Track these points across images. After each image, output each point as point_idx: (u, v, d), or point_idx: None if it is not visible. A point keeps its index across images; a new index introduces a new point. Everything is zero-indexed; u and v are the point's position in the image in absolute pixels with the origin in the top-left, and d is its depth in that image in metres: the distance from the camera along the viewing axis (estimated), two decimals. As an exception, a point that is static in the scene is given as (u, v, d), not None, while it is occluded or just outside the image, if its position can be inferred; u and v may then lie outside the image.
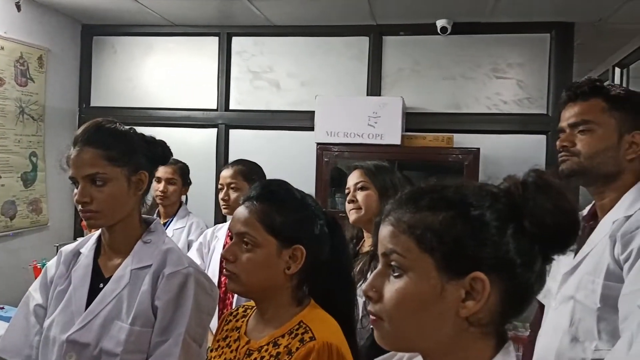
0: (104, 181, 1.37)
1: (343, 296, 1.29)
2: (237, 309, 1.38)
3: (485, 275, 0.73)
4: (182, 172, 3.01)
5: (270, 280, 1.22)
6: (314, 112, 3.47)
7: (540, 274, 0.77)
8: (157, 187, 2.90)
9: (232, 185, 2.42)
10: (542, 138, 3.54)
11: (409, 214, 0.77)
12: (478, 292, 0.73)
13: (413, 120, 3.60)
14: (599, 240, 1.47)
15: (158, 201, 2.93)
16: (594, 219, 1.55)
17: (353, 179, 2.11)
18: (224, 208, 2.43)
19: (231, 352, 1.26)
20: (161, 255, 1.43)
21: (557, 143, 1.57)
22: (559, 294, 1.53)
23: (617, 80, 2.83)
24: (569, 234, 0.75)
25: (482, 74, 3.66)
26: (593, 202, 1.58)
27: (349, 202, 2.08)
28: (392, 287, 0.77)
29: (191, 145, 3.83)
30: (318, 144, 3.43)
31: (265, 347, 1.20)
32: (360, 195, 2.05)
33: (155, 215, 2.95)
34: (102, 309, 1.38)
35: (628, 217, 1.43)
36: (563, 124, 1.56)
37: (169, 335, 1.37)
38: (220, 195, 2.44)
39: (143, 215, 1.53)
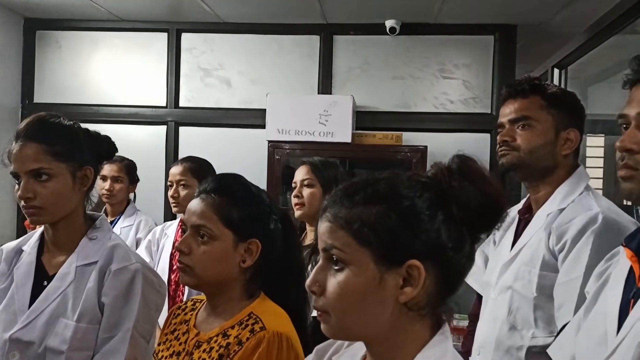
0: (48, 176, 1.34)
1: (294, 290, 1.31)
2: (186, 303, 1.38)
3: (420, 262, 0.77)
4: (129, 170, 2.97)
5: (225, 273, 1.22)
6: (265, 110, 3.48)
7: (470, 254, 0.81)
8: (102, 186, 2.84)
9: (182, 183, 2.41)
10: (487, 136, 3.66)
11: (345, 210, 0.80)
12: (414, 278, 0.77)
13: (363, 119, 3.66)
14: (534, 232, 1.54)
15: (104, 199, 2.87)
16: (529, 212, 1.63)
17: (300, 174, 2.17)
18: (174, 206, 2.41)
19: (180, 344, 1.26)
20: (107, 251, 1.42)
21: (498, 138, 1.63)
22: (497, 284, 1.60)
23: (555, 81, 2.96)
24: (494, 215, 0.80)
25: (430, 74, 3.75)
26: (528, 195, 1.66)
27: (294, 197, 2.15)
28: (334, 280, 0.79)
29: (140, 143, 3.76)
30: (269, 141, 3.44)
31: (215, 338, 1.20)
32: (305, 192, 2.13)
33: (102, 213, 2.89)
34: (46, 306, 1.35)
35: (562, 210, 1.51)
36: (503, 119, 1.62)
37: (116, 331, 1.36)
38: (170, 193, 2.42)
39: (88, 212, 1.51)
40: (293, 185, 2.18)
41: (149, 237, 2.53)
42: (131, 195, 3.05)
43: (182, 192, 2.39)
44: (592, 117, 4.18)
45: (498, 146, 1.63)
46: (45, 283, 1.40)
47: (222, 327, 1.21)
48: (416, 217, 0.78)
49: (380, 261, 0.77)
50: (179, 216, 2.52)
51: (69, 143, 1.39)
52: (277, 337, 1.15)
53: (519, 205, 1.70)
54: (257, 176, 3.33)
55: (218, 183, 1.26)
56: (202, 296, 1.40)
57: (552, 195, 1.55)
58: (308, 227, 2.20)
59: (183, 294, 2.27)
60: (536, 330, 1.47)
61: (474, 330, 1.74)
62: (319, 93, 3.76)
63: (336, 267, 0.80)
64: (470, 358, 1.65)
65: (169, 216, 3.62)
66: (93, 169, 1.46)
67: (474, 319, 1.79)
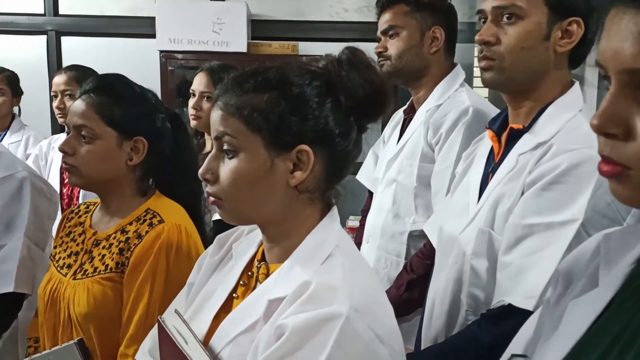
0: None
1: (187, 188, 1.33)
2: (79, 207, 1.37)
3: (309, 147, 0.81)
4: (11, 81, 2.77)
5: (112, 171, 1.23)
6: (154, 18, 3.31)
7: (357, 141, 0.87)
8: None
9: (67, 92, 2.29)
10: (380, 46, 3.75)
11: (235, 97, 0.81)
12: (304, 162, 0.81)
13: (258, 28, 3.59)
14: (415, 128, 1.66)
15: None
16: (412, 111, 1.74)
17: (200, 84, 2.09)
18: (60, 117, 2.30)
19: (77, 245, 1.27)
20: None
21: (374, 50, 1.71)
22: (384, 179, 1.72)
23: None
24: (378, 104, 0.85)
25: (324, -19, 3.71)
26: (412, 97, 1.77)
27: (192, 108, 2.09)
28: (227, 167, 0.82)
29: (18, 55, 3.48)
30: (161, 51, 3.31)
31: (114, 235, 1.22)
32: (205, 105, 2.08)
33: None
34: None
35: (439, 106, 1.63)
36: (378, 32, 1.71)
37: (7, 239, 1.35)
38: (55, 104, 2.30)
39: None
40: (191, 92, 2.12)
41: (36, 152, 2.42)
42: (15, 109, 2.87)
43: (69, 103, 2.28)
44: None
45: (377, 58, 1.70)
46: None
47: (119, 225, 1.24)
48: (305, 103, 0.81)
49: (270, 146, 0.81)
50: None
51: None
52: (176, 227, 1.19)
53: (405, 106, 1.81)
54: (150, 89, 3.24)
55: (98, 82, 1.24)
56: (96, 199, 1.41)
57: (431, 93, 1.66)
58: (207, 136, 2.20)
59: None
60: (416, 216, 1.62)
61: (364, 225, 1.88)
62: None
63: (228, 155, 0.82)
64: (361, 246, 1.80)
65: (56, 131, 3.45)
66: None
67: (365, 214, 1.92)
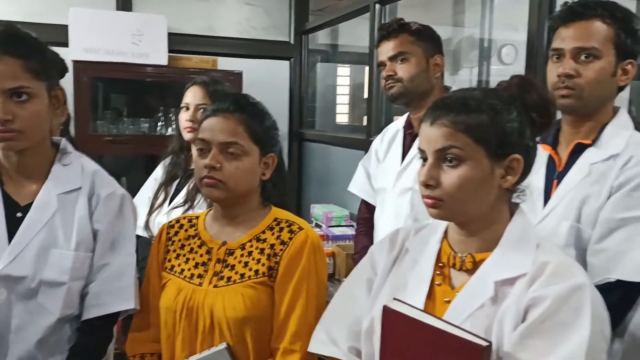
0: (28, 96, 1.19)
1: (284, 198, 1.44)
2: (179, 220, 1.41)
3: (520, 155, 1.03)
4: None
5: (251, 185, 1.31)
6: (67, 25, 3.15)
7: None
8: None
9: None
10: (287, 64, 3.98)
11: (463, 116, 1.01)
12: (513, 168, 1.03)
13: (173, 42, 3.58)
14: None
15: None
16: (411, 128, 2.01)
17: (195, 97, 2.10)
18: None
19: (200, 256, 1.32)
20: (90, 177, 1.35)
21: (383, 74, 1.94)
22: (395, 188, 1.95)
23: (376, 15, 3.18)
24: (553, 118, 1.10)
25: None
26: (407, 113, 2.04)
27: (188, 120, 2.10)
28: (452, 174, 1.01)
29: None
30: (74, 61, 3.15)
31: (249, 243, 1.30)
32: (201, 117, 2.10)
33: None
34: (31, 238, 1.24)
35: None
36: (383, 58, 1.94)
37: (115, 256, 1.33)
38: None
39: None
40: (185, 106, 2.12)
41: None
42: None
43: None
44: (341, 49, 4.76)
45: (384, 81, 1.94)
46: (20, 214, 1.26)
47: (251, 234, 1.31)
48: (516, 121, 1.03)
49: (492, 156, 1.01)
50: None
51: (43, 59, 1.25)
52: (315, 233, 1.32)
53: (398, 124, 2.08)
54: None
55: (237, 101, 1.31)
56: (189, 213, 1.44)
57: None
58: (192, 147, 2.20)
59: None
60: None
61: (364, 231, 2.11)
62: (117, 9, 3.53)
63: (451, 164, 1.01)
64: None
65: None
66: (61, 88, 1.34)
67: (363, 222, 2.14)
